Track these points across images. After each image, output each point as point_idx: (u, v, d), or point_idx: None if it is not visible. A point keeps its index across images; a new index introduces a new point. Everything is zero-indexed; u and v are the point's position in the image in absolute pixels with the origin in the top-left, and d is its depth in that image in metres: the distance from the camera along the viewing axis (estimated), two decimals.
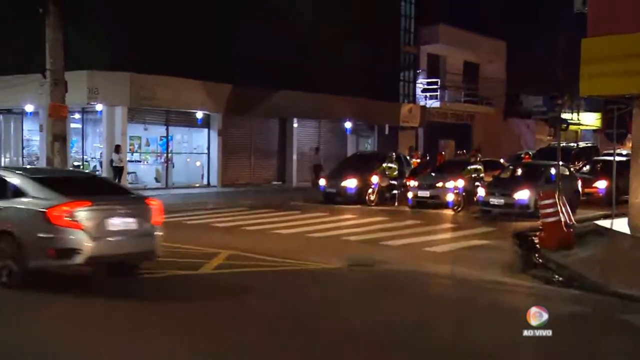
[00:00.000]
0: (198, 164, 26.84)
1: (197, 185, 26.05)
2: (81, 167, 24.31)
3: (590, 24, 12.62)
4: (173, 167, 25.72)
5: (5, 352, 6.05)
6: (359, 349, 6.42)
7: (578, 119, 40.99)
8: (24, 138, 26.45)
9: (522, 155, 27.24)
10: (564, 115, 35.66)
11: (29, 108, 24.04)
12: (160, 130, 25.48)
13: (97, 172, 24.23)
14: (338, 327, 7.10)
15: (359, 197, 20.21)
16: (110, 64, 21.87)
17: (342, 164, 23.94)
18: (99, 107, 22.73)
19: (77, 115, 23.93)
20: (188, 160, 26.91)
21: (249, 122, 27.86)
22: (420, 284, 9.74)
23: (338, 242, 13.21)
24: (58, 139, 16.80)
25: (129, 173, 23.82)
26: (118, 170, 22.35)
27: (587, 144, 28.42)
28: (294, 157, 29.55)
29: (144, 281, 9.27)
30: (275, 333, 6.90)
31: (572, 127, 38.83)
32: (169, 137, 25.54)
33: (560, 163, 19.13)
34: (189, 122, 25.94)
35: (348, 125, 31.41)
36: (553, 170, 16.61)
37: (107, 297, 8.28)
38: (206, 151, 26.52)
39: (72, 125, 23.21)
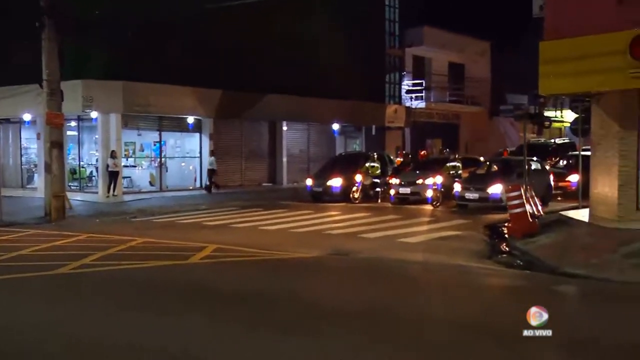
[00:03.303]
0: (191, 167, 27.75)
1: (190, 188, 26.92)
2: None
3: (547, 28, 13.58)
4: (167, 171, 26.55)
5: None
6: (320, 317, 7.33)
7: (561, 116, 41.88)
8: (22, 146, 27.35)
9: (502, 152, 28.22)
10: (547, 113, 36.86)
11: (27, 117, 24.93)
12: (154, 135, 26.32)
13: (93, 177, 25.23)
14: (304, 298, 8.07)
15: (344, 195, 21.20)
16: (103, 73, 22.74)
17: (327, 164, 24.89)
18: (93, 114, 23.55)
19: (73, 123, 24.69)
20: (183, 164, 27.81)
21: (239, 126, 28.77)
22: (388, 268, 10.68)
23: (320, 235, 14.14)
24: (55, 145, 17.72)
25: (124, 177, 24.71)
26: (114, 175, 23.25)
27: (564, 140, 29.27)
28: (284, 159, 30.49)
29: (131, 271, 10.13)
30: (250, 305, 7.80)
31: (555, 125, 39.88)
32: (162, 142, 26.38)
33: (535, 159, 20.33)
34: (181, 127, 26.79)
35: (336, 126, 32.34)
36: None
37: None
38: (198, 155, 27.43)
39: (69, 132, 23.95)
